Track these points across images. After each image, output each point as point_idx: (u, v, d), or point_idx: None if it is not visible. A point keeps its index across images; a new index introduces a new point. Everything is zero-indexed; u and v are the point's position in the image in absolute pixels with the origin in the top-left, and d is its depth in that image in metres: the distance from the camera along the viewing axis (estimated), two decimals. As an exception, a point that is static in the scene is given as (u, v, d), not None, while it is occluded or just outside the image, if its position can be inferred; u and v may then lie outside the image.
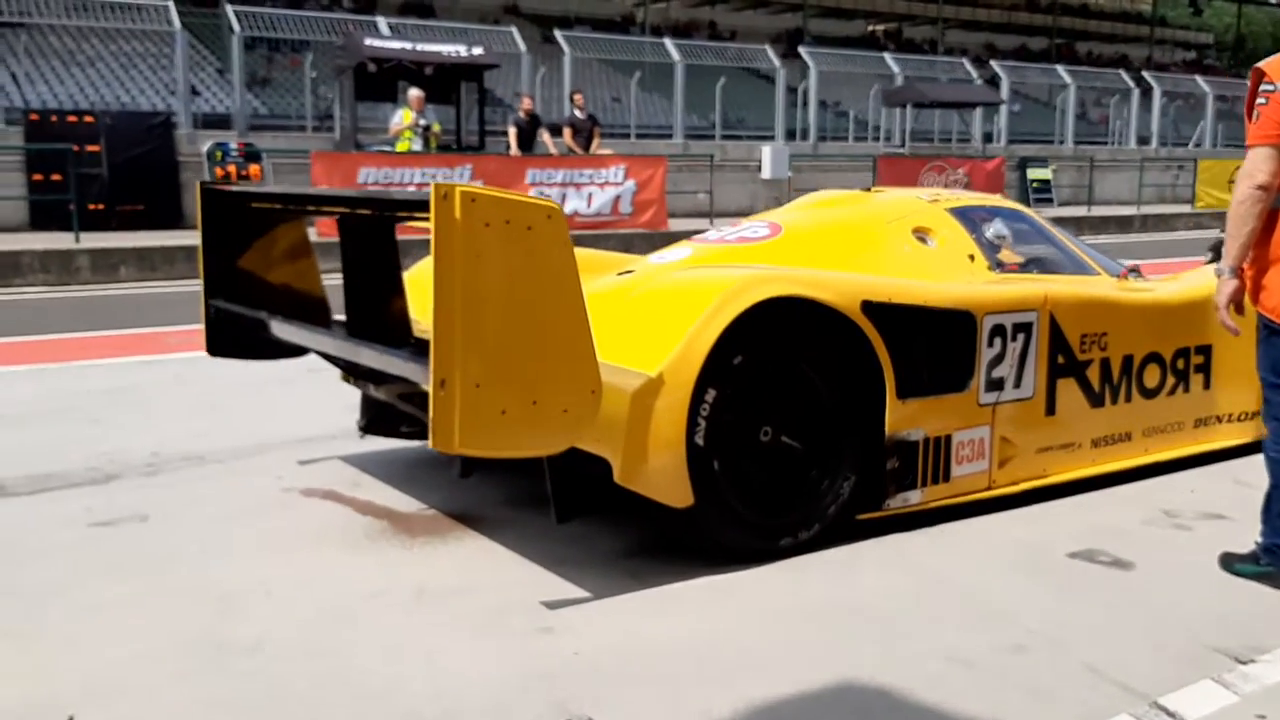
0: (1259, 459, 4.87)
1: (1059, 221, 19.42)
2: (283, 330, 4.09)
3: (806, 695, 2.72)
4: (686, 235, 16.59)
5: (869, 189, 5.15)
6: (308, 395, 6.19)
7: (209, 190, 4.48)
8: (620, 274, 4.47)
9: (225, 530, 3.93)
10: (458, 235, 2.89)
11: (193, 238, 13.54)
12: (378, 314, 3.83)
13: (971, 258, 4.58)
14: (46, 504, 4.27)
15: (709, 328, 3.39)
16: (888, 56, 24.49)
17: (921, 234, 4.61)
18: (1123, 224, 21.34)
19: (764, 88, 24.67)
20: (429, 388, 2.93)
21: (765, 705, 2.67)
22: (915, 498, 3.95)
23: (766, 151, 18.70)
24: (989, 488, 4.17)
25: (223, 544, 3.79)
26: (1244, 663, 2.88)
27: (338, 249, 4.00)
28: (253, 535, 3.88)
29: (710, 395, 3.44)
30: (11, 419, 5.66)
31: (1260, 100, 3.30)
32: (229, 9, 16.55)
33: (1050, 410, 4.31)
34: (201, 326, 4.56)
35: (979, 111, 23.98)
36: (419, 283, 4.41)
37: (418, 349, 3.84)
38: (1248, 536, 3.82)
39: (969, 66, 25.97)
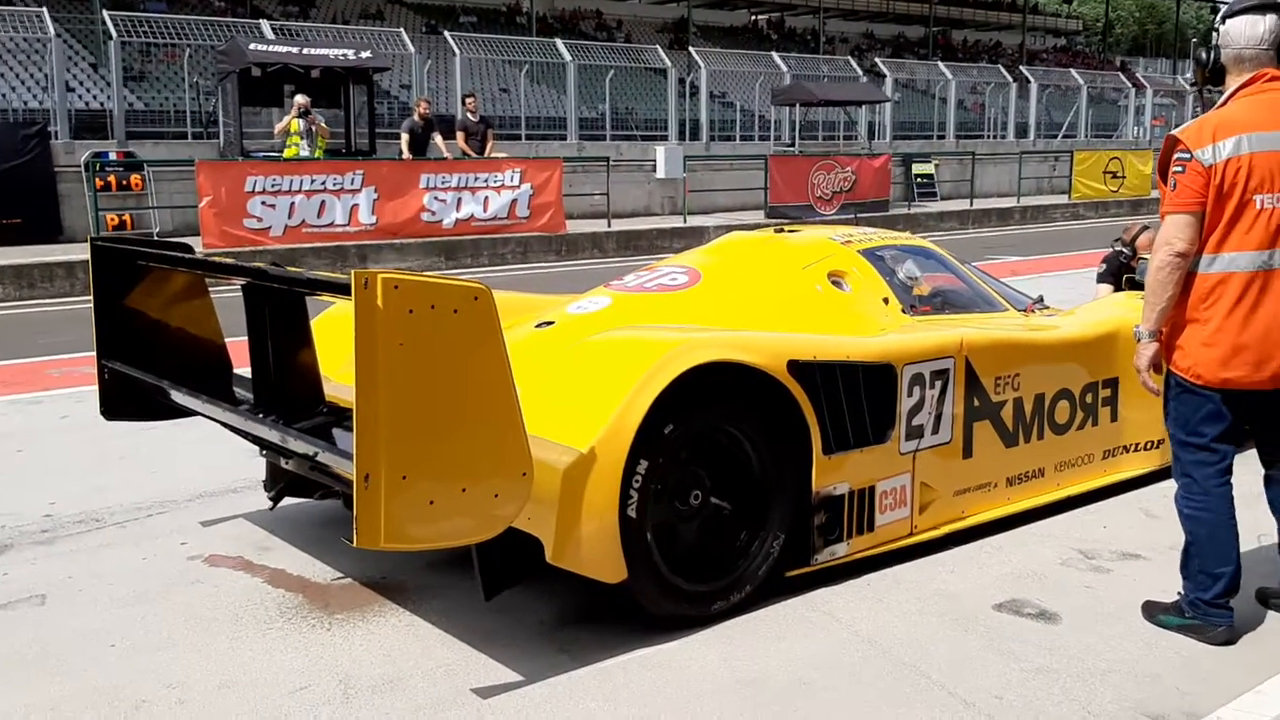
0: (1164, 488, 5.02)
1: (944, 216, 19.84)
2: (184, 399, 3.90)
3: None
4: (586, 237, 16.46)
5: (781, 229, 5.14)
6: (206, 436, 5.95)
7: (100, 246, 4.25)
8: (538, 325, 4.38)
9: (131, 615, 3.73)
10: (380, 324, 2.77)
11: (73, 252, 13.09)
12: (287, 382, 3.68)
13: (886, 300, 4.59)
14: (-68, 587, 4.02)
15: (640, 399, 3.32)
16: (775, 55, 24.68)
17: (836, 278, 4.61)
18: (1003, 216, 21.93)
19: (655, 79, 24.69)
20: (353, 480, 2.81)
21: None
22: (842, 550, 3.95)
23: (661, 152, 18.69)
24: (911, 533, 4.19)
25: (128, 634, 3.59)
26: (1178, 731, 2.93)
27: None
28: (159, 622, 3.68)
29: (642, 467, 3.38)
30: (-115, 480, 5.33)
31: (1176, 169, 3.36)
32: (105, 14, 15.87)
33: (967, 453, 4.36)
34: (90, 359, 4.34)
35: (864, 107, 24.36)
36: (328, 331, 4.26)
37: (332, 418, 3.72)
38: (1164, 577, 3.93)
39: (854, 64, 26.38)
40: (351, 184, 14.27)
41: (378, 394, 2.79)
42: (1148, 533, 4.45)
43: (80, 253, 13.43)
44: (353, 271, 2.75)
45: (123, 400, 4.30)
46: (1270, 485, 3.60)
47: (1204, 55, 3.51)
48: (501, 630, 3.57)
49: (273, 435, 3.53)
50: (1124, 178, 24.79)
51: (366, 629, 3.61)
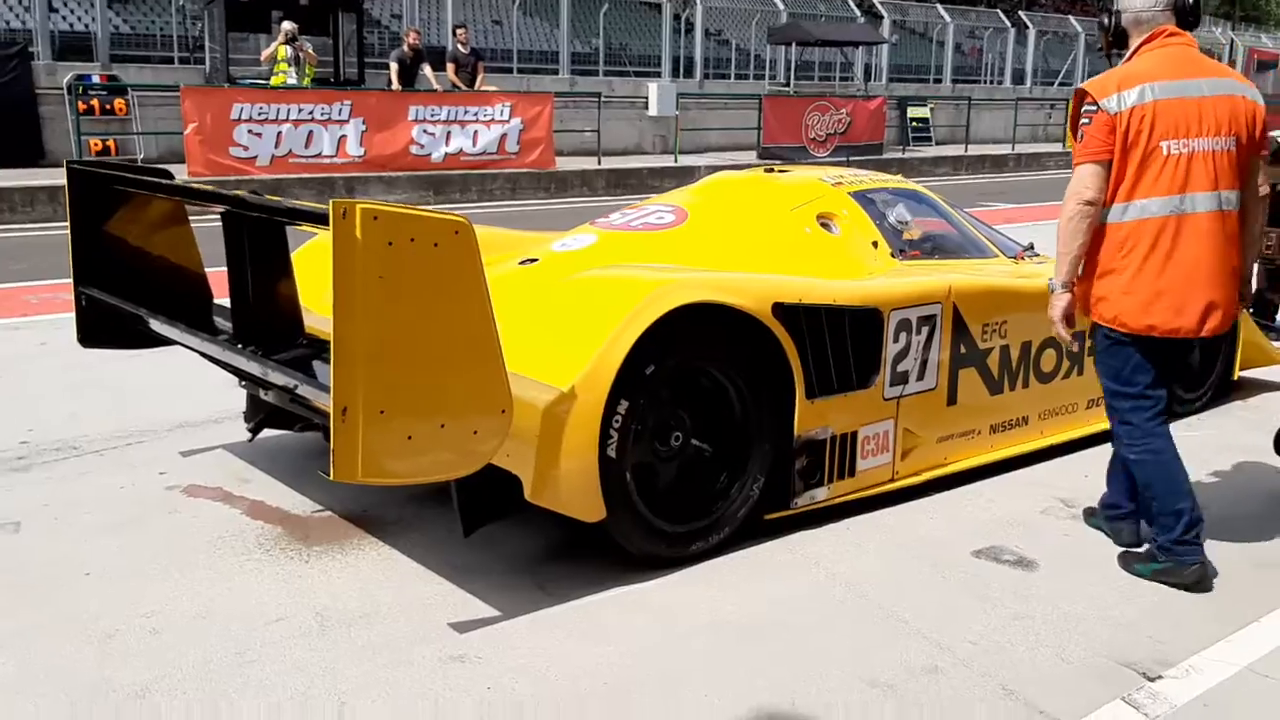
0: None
1: (938, 162, 19.68)
2: (162, 329, 3.85)
3: (728, 732, 2.69)
4: (575, 175, 16.29)
5: (771, 169, 5.07)
6: (188, 365, 5.90)
7: (76, 170, 4.17)
8: (522, 261, 4.32)
9: (107, 544, 3.71)
10: (358, 255, 2.72)
11: (56, 177, 12.87)
12: (266, 314, 3.62)
13: (875, 244, 4.55)
14: (-94, 512, 3.99)
15: (621, 339, 3.28)
16: (774, -9, 24.33)
17: (825, 220, 4.55)
18: (998, 163, 21.79)
19: (650, 16, 24.31)
20: (330, 412, 2.77)
21: (687, 745, 2.63)
22: (822, 494, 3.94)
23: (653, 89, 18.48)
24: (893, 479, 4.18)
25: (104, 563, 3.57)
26: (1152, 679, 2.94)
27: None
28: (136, 551, 3.66)
29: (622, 407, 3.35)
30: None
31: (1084, 120, 3.45)
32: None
33: (952, 400, 4.34)
34: (69, 287, 4.28)
35: (860, 48, 24.09)
36: (309, 262, 4.20)
37: (311, 350, 3.68)
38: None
39: (851, 4, 26.01)
40: (339, 114, 14.06)
41: (356, 327, 2.75)
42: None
43: (61, 176, 13.26)
44: (331, 201, 2.70)
45: (100, 327, 4.24)
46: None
47: (1106, 21, 3.61)
48: (480, 565, 3.56)
49: (251, 367, 3.49)
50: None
51: (345, 561, 3.60)
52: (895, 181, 5.10)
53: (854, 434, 3.99)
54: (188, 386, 5.43)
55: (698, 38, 21.75)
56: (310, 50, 15.11)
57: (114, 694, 2.79)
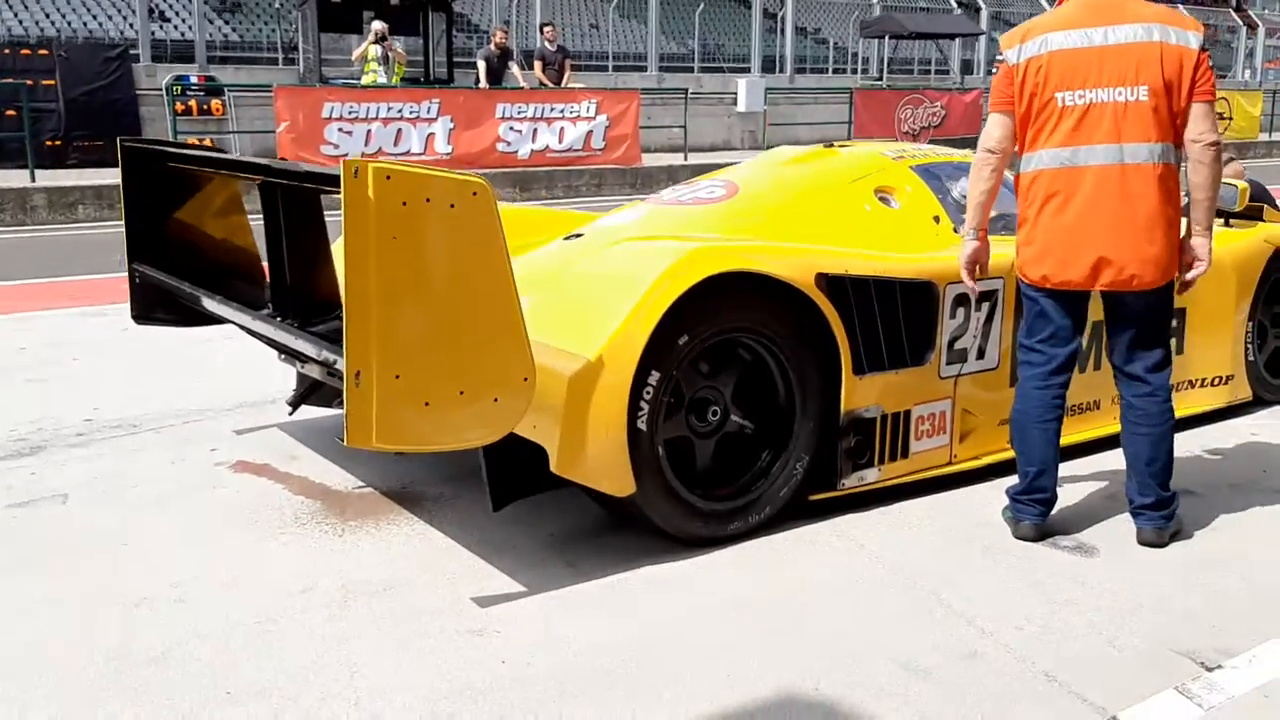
0: (1232, 425, 4.76)
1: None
2: (212, 305, 3.86)
3: (749, 710, 2.56)
4: (662, 171, 16.22)
5: (831, 144, 4.91)
6: (254, 345, 5.98)
7: (128, 146, 4.22)
8: (568, 237, 4.25)
9: (147, 517, 3.73)
10: (371, 215, 2.66)
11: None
12: (303, 287, 3.60)
13: (937, 219, 4.36)
14: (-36, 482, 4.07)
15: (651, 307, 3.17)
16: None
17: (884, 194, 4.38)
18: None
19: (742, 14, 24.14)
20: (343, 383, 2.72)
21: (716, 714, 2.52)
22: (872, 476, 3.78)
23: (742, 85, 18.32)
24: (949, 462, 4.00)
25: (142, 534, 3.58)
26: (1210, 669, 2.73)
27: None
28: (176, 523, 3.68)
29: (653, 377, 3.24)
30: (-60, 382, 5.43)
31: (993, 70, 3.43)
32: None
33: (1014, 381, 4.12)
34: None
35: (957, 41, 23.57)
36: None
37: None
38: (1214, 513, 3.72)
39: (951, -4, 25.51)
40: (428, 113, 14.21)
41: (369, 289, 2.69)
42: (1203, 470, 4.21)
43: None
44: (342, 160, 2.64)
45: (152, 303, 4.29)
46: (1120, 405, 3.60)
47: None
48: (509, 541, 3.49)
49: (285, 338, 3.47)
50: (1230, 119, 23.65)
51: (377, 535, 3.56)
52: (961, 156, 4.89)
53: (907, 413, 3.83)
54: (253, 367, 5.47)
55: (789, 32, 21.54)
56: (400, 50, 15.32)
57: (130, 659, 2.77)
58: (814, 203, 4.27)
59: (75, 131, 14.20)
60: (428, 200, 2.73)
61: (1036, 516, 3.56)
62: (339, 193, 2.63)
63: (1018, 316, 4.05)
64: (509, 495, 3.32)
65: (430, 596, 3.13)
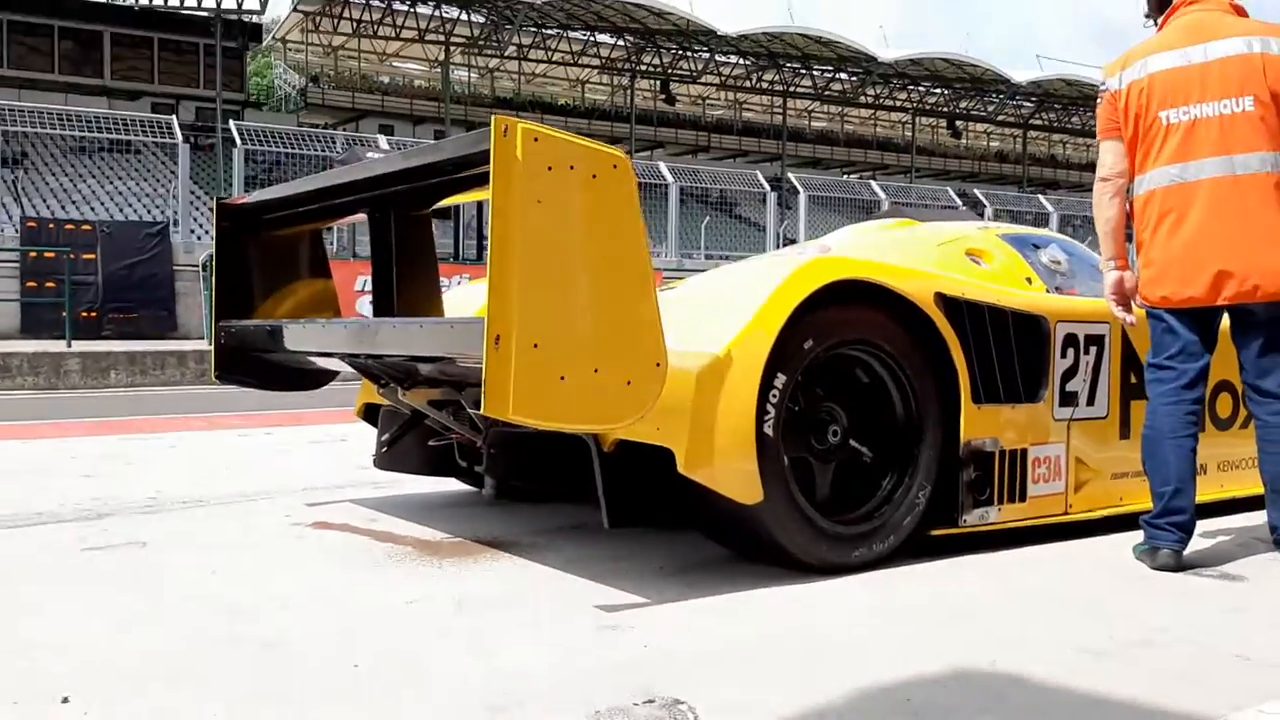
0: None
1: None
2: (296, 337, 3.75)
3: (926, 679, 2.35)
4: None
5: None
6: (313, 457, 5.92)
7: (223, 205, 4.24)
8: (660, 287, 4.21)
9: (231, 555, 3.55)
10: (518, 175, 2.62)
11: (185, 344, 13.40)
12: (408, 302, 3.53)
13: (1029, 280, 4.34)
14: (34, 535, 3.88)
15: (779, 305, 3.11)
16: (874, 184, 24.83)
17: (975, 256, 4.38)
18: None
19: (751, 232, 24.97)
20: (483, 346, 2.62)
21: (882, 687, 2.30)
22: (993, 515, 3.61)
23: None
24: (1066, 512, 3.84)
25: (230, 565, 3.40)
26: None
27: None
28: (263, 559, 3.49)
29: (780, 380, 3.13)
30: (-5, 473, 5.29)
31: (1098, 101, 3.54)
32: (232, 124, 16.66)
33: (1125, 433, 4.01)
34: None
35: (966, 236, 24.23)
36: (454, 304, 4.15)
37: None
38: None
39: (952, 194, 26.39)
40: (458, 285, 14.45)
41: (512, 251, 2.62)
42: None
43: (191, 344, 13.75)
44: (493, 117, 2.63)
45: (237, 358, 4.20)
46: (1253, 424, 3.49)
47: None
48: (621, 570, 3.29)
49: (383, 336, 3.28)
50: None
51: (479, 567, 3.37)
52: (1046, 232, 4.91)
53: (1023, 452, 3.69)
54: (314, 468, 5.38)
55: (801, 227, 22.15)
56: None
57: (246, 644, 2.57)
58: (910, 258, 4.25)
59: (110, 304, 14.45)
60: (572, 168, 2.70)
61: (1176, 543, 3.38)
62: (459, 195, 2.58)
63: (1125, 363, 4.00)
64: (625, 515, 3.16)
65: (552, 605, 2.93)
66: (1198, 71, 3.36)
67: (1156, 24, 3.58)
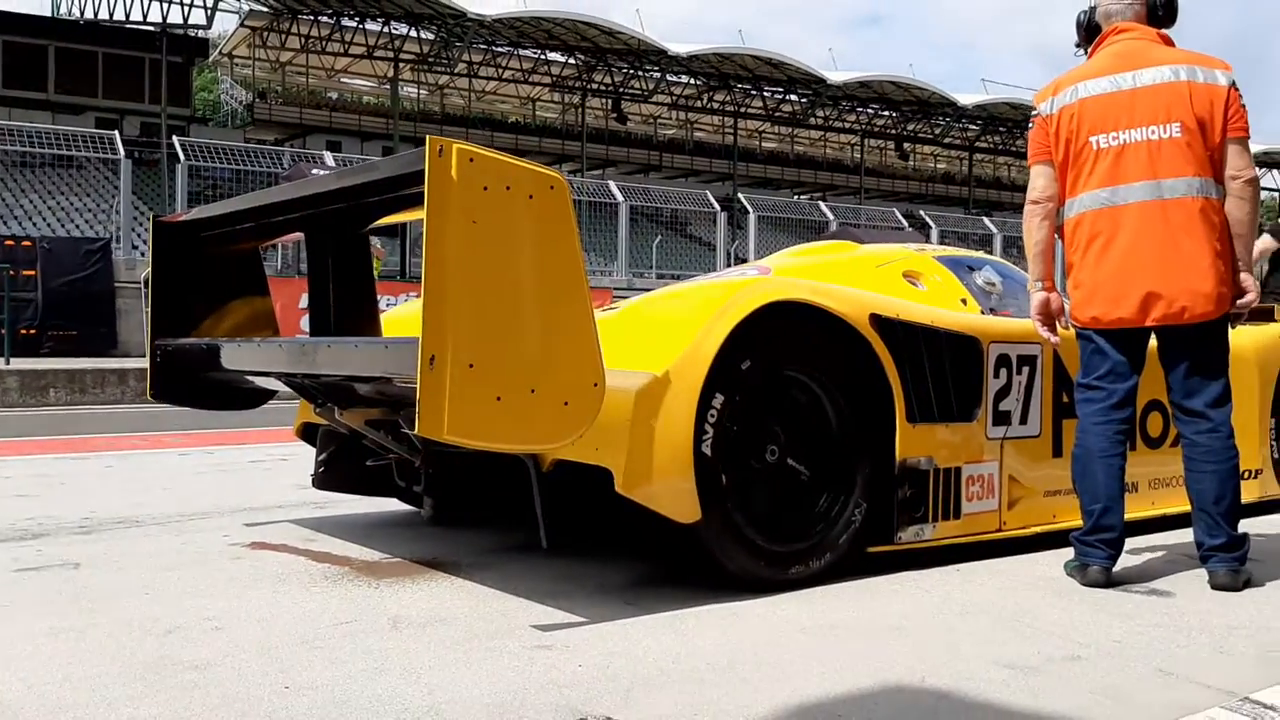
0: (1274, 520, 4.69)
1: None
2: (233, 356, 3.72)
3: (858, 696, 2.37)
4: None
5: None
6: (253, 477, 5.87)
7: (161, 223, 4.20)
8: (603, 309, 4.22)
9: (167, 576, 3.50)
10: (453, 195, 2.63)
11: (127, 362, 13.20)
12: (345, 322, 3.52)
13: (964, 301, 4.41)
14: (-38, 557, 3.81)
15: (717, 327, 3.14)
16: (823, 205, 25.08)
17: (912, 277, 4.45)
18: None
19: (703, 251, 25.09)
20: (417, 366, 2.62)
21: (813, 705, 2.32)
22: (928, 532, 3.66)
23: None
24: (1000, 529, 3.90)
25: (165, 586, 3.36)
26: (1328, 662, 2.60)
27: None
28: (198, 580, 3.45)
29: (718, 401, 3.16)
30: (-76, 494, 5.18)
31: (1030, 125, 3.63)
32: (175, 140, 16.48)
33: (1057, 451, 4.08)
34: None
35: (913, 257, 24.53)
36: (394, 323, 4.14)
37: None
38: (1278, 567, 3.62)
39: (899, 215, 26.72)
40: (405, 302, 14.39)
41: (447, 271, 2.63)
42: (1256, 543, 4.12)
43: (133, 362, 13.55)
44: (428, 138, 2.64)
45: (174, 377, 4.15)
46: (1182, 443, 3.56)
47: (1081, 16, 3.69)
48: (560, 589, 3.29)
49: (321, 356, 3.25)
50: None
51: (416, 586, 3.35)
52: (979, 253, 5.00)
53: (958, 470, 3.75)
54: (253, 487, 5.34)
55: (751, 246, 22.30)
56: (379, 247, 15.64)
57: (176, 666, 2.54)
58: (849, 279, 4.31)
59: (50, 321, 14.21)
60: (508, 188, 2.71)
61: (1105, 559, 3.44)
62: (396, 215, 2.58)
63: (1057, 382, 4.07)
64: (564, 534, 3.17)
65: (486, 625, 2.92)
66: (1127, 97, 3.44)
67: (1086, 53, 3.66)
